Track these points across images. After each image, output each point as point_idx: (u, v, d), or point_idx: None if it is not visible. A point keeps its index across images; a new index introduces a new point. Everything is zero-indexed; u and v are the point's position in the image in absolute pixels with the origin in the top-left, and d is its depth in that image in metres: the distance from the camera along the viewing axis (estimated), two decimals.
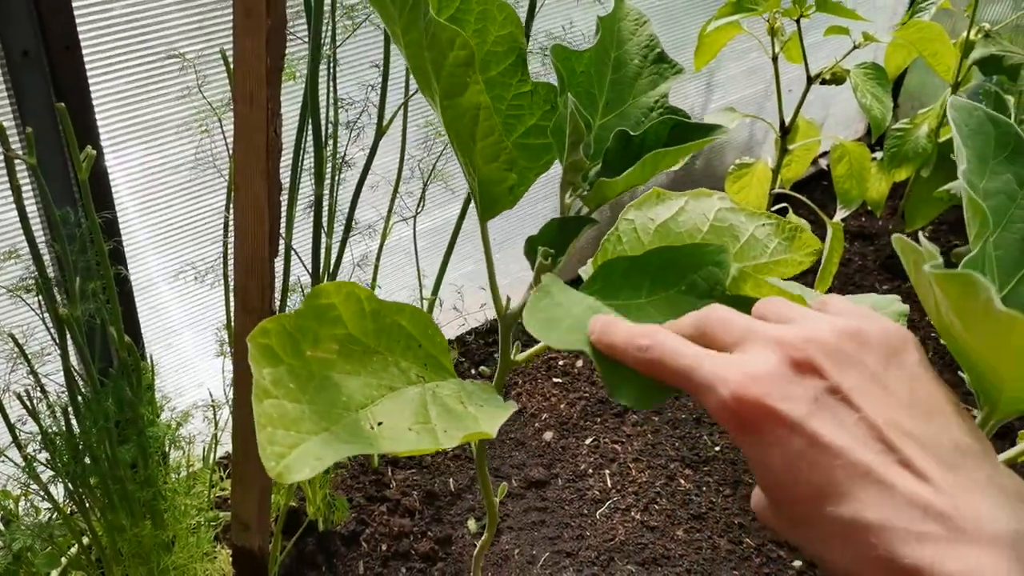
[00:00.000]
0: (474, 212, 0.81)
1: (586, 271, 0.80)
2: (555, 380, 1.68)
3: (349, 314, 0.52)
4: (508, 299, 0.74)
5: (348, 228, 1.10)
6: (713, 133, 0.56)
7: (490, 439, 0.53)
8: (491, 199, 0.64)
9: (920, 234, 0.75)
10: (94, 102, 1.01)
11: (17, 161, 0.81)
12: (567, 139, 0.58)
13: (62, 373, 1.05)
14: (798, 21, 1.40)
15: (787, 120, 1.53)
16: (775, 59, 1.48)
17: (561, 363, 1.72)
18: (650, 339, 0.40)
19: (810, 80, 1.46)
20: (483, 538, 1.17)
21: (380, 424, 0.47)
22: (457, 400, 0.53)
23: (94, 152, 0.82)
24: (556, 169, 0.62)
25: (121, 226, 1.12)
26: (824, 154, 2.26)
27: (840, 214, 1.68)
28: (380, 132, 1.08)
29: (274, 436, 0.43)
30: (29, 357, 0.97)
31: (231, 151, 1.06)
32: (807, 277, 1.60)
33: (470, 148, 0.59)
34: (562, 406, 1.62)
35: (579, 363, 1.72)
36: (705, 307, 0.42)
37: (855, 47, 1.42)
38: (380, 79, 1.06)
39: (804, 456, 0.34)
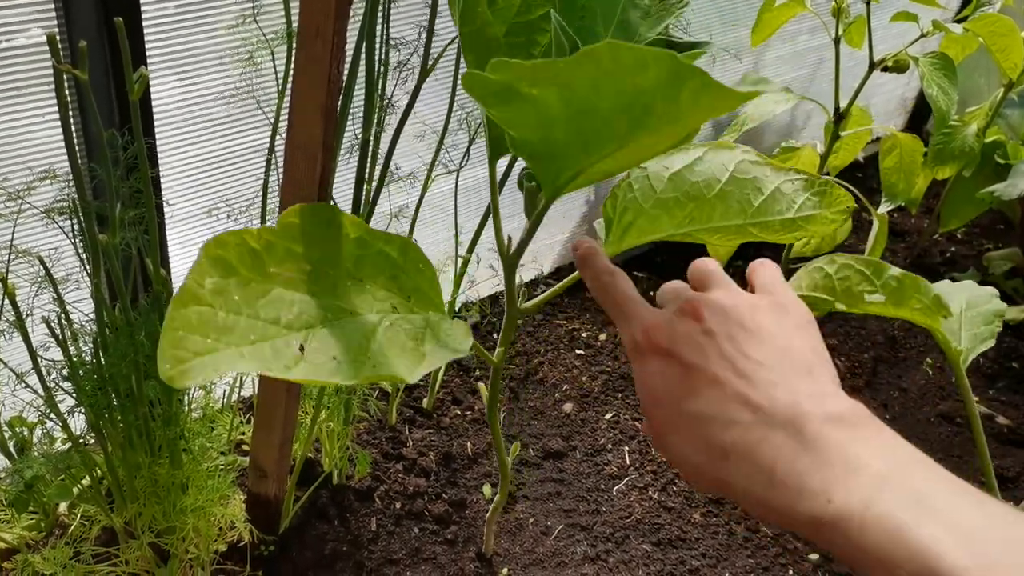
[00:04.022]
0: (516, 170, 0.79)
1: (599, 224, 0.78)
2: (578, 352, 1.65)
3: (326, 237, 0.51)
4: (509, 238, 0.71)
5: (384, 174, 1.06)
6: (697, 47, 0.55)
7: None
8: (497, 140, 0.64)
9: None
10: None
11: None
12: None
13: (83, 301, 1.01)
14: (868, 2, 1.35)
15: (842, 105, 1.48)
16: (837, 41, 1.43)
17: (584, 335, 1.69)
18: (613, 277, 0.53)
19: (872, 66, 1.41)
20: (496, 499, 1.15)
21: (312, 348, 0.46)
22: (413, 336, 0.51)
23: (148, 73, 0.78)
24: None
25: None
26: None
27: (883, 207, 1.64)
28: (425, 73, 1.03)
29: (183, 341, 0.43)
30: (56, 283, 0.94)
31: (280, 86, 1.02)
32: None
33: None
34: (583, 379, 1.59)
35: (602, 336, 1.69)
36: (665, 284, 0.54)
37: (923, 35, 1.37)
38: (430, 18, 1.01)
39: (672, 372, 0.47)
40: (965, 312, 0.94)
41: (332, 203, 1.02)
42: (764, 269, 0.53)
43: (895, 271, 0.74)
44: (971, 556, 0.35)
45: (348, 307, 0.51)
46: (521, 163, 0.68)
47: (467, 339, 0.57)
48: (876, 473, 0.39)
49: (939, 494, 0.38)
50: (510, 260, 0.71)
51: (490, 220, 1.26)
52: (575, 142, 0.48)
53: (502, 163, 1.48)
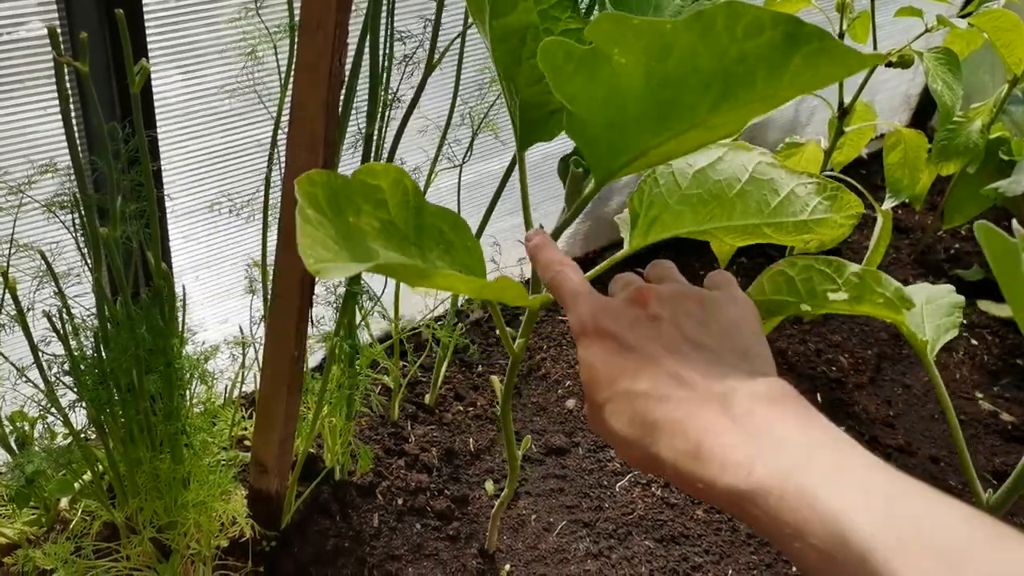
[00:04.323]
0: (517, 167, 0.79)
1: (622, 219, 0.79)
2: None
3: (394, 201, 0.52)
4: (541, 227, 0.71)
5: None
6: None
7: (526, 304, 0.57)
8: (530, 125, 0.63)
9: None
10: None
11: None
12: None
13: (85, 296, 1.01)
14: None
15: (846, 101, 1.48)
16: (841, 36, 1.42)
17: None
18: (564, 267, 0.55)
19: None
20: (503, 493, 1.14)
21: None
22: None
23: (149, 65, 0.77)
24: None
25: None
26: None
27: (887, 203, 1.63)
28: (431, 67, 1.03)
29: (313, 245, 0.44)
30: (57, 277, 0.93)
31: (282, 80, 1.02)
32: None
33: (514, 70, 0.57)
34: None
35: None
36: (619, 275, 0.57)
37: (927, 30, 1.36)
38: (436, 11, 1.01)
39: (614, 352, 0.48)
40: (926, 306, 0.97)
41: None
42: (719, 275, 0.56)
43: (855, 268, 0.76)
44: (882, 528, 0.36)
45: (426, 265, 0.53)
46: (538, 155, 0.67)
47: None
48: (796, 448, 0.41)
49: (855, 470, 0.39)
50: None
51: (492, 215, 1.25)
52: (648, 119, 0.48)
53: (503, 162, 1.47)
